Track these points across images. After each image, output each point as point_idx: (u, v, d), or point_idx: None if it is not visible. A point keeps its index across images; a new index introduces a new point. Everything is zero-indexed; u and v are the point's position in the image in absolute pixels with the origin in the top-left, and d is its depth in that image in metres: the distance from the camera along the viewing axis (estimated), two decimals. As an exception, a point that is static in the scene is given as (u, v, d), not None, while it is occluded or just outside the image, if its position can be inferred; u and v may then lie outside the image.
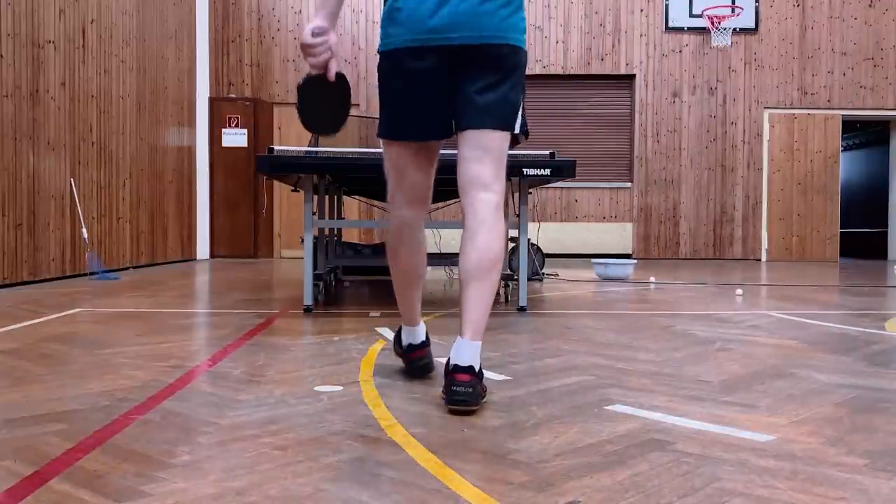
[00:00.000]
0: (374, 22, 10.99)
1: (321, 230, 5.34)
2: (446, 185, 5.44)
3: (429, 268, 8.20)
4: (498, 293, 5.46)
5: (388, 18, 2.17)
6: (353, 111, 10.91)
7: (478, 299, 2.09)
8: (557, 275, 7.46)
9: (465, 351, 2.05)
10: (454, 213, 10.75)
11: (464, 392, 2.00)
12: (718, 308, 4.65)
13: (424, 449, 1.70)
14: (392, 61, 2.16)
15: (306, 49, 2.17)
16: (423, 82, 2.14)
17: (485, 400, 2.13)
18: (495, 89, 2.12)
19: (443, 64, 2.11)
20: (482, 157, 2.13)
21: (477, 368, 2.06)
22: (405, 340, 2.47)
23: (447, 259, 5.61)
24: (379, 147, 5.04)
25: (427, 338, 2.48)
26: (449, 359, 2.08)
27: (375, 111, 10.90)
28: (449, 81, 2.14)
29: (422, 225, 2.36)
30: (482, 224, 2.09)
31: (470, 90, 2.12)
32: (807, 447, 1.74)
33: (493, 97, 2.12)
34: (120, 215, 7.75)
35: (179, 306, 4.54)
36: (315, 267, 4.91)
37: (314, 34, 2.17)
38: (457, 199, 5.84)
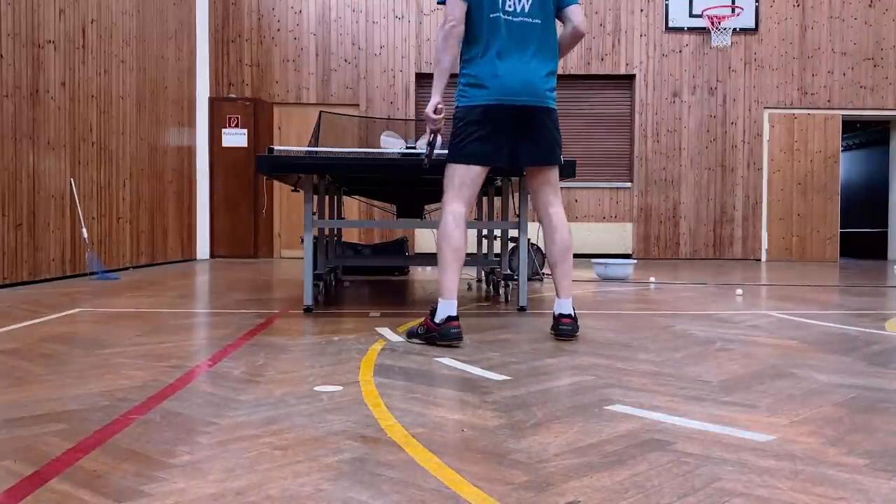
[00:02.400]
0: (373, 22, 10.99)
1: (321, 230, 5.34)
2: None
3: (428, 268, 8.22)
4: (497, 293, 5.46)
5: (480, 84, 3.15)
6: (353, 111, 10.91)
7: (566, 273, 3.32)
8: (557, 275, 7.45)
9: (566, 305, 3.28)
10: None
11: (568, 329, 3.25)
12: (718, 308, 4.65)
13: (424, 449, 1.70)
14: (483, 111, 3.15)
15: (431, 121, 3.21)
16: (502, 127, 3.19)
17: (579, 333, 3.36)
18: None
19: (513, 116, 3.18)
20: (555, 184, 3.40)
21: (574, 315, 3.29)
22: (443, 314, 3.08)
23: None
24: (378, 147, 5.05)
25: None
26: (555, 313, 3.31)
27: (375, 111, 10.93)
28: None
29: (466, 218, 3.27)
30: (559, 229, 3.33)
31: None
32: (807, 447, 1.74)
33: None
34: (120, 215, 7.75)
35: (179, 306, 4.54)
36: (315, 267, 4.91)
37: (437, 112, 3.20)
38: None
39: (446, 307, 3.08)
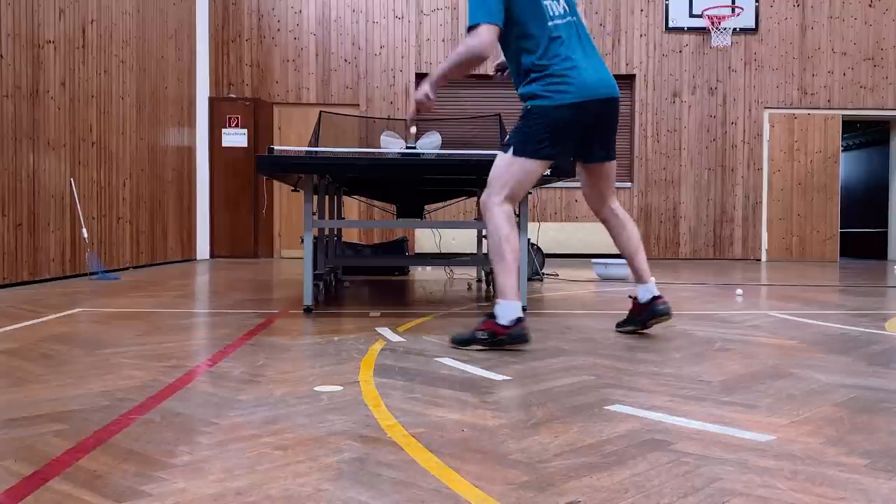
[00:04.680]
0: (373, 22, 10.99)
1: (321, 230, 5.34)
2: (446, 186, 5.44)
3: (429, 268, 8.22)
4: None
5: (563, 82, 3.11)
6: (353, 111, 10.91)
7: (644, 259, 3.46)
8: (557, 275, 7.46)
9: (654, 287, 3.41)
10: (454, 214, 10.76)
11: (666, 307, 3.38)
12: (718, 308, 4.65)
13: (424, 449, 1.70)
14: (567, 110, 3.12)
15: (423, 107, 3.27)
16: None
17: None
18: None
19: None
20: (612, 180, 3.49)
21: None
22: (511, 316, 3.00)
23: (447, 259, 5.61)
24: (378, 147, 5.04)
25: None
26: (643, 299, 3.41)
27: (375, 111, 10.93)
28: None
29: None
30: (626, 221, 3.49)
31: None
32: (807, 447, 1.74)
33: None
34: (120, 215, 7.75)
35: (179, 306, 4.54)
36: (315, 267, 4.91)
37: (428, 102, 3.27)
38: (457, 200, 6.07)
39: (514, 308, 3.01)
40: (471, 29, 3.08)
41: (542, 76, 3.15)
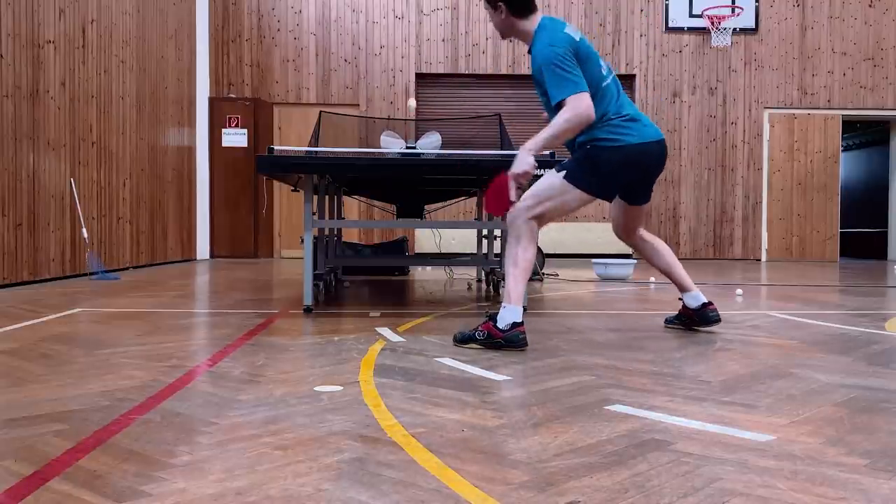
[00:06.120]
0: (373, 22, 10.99)
1: (321, 230, 5.33)
2: (446, 186, 5.43)
3: (429, 268, 8.21)
4: (498, 293, 5.45)
5: (629, 128, 3.22)
6: (353, 111, 10.91)
7: (683, 270, 3.63)
8: (557, 275, 7.46)
9: (701, 294, 3.58)
10: (454, 214, 10.75)
11: (716, 314, 3.55)
12: (718, 308, 4.64)
13: (424, 449, 1.70)
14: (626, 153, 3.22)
15: (524, 176, 3.02)
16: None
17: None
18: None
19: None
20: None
21: None
22: (510, 319, 3.05)
23: (447, 259, 5.61)
24: (378, 147, 5.05)
25: None
26: (693, 305, 3.57)
27: (375, 111, 10.92)
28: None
29: None
30: (655, 240, 3.69)
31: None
32: (807, 447, 1.74)
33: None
34: (120, 215, 7.75)
35: (179, 306, 4.54)
36: (315, 267, 4.91)
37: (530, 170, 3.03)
38: (457, 200, 6.10)
39: (514, 313, 3.07)
40: (558, 106, 3.06)
41: (614, 122, 3.24)
